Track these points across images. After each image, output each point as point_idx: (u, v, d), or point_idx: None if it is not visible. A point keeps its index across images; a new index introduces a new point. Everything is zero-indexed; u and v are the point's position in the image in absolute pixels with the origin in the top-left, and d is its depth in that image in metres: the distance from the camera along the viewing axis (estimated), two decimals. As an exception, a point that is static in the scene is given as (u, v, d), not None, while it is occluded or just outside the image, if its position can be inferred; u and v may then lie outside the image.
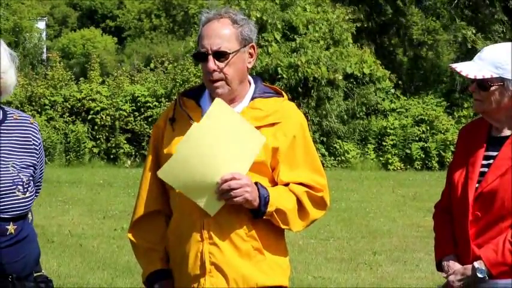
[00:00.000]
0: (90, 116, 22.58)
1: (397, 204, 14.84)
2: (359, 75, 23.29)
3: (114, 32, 44.94)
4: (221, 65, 3.45)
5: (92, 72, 23.53)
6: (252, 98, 3.55)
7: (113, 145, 22.51)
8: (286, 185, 3.51)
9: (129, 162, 22.41)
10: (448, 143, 22.92)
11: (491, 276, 3.66)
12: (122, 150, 22.47)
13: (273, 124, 3.50)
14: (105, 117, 22.48)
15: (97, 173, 19.47)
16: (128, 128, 22.57)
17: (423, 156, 23.30)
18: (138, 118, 22.60)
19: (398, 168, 23.10)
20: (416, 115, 23.83)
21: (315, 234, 11.28)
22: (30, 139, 3.84)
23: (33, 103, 22.57)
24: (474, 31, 26.28)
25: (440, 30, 27.55)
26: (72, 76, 23.99)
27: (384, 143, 23.39)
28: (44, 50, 41.02)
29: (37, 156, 3.85)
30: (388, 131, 23.47)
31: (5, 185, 3.68)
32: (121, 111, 22.55)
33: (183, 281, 3.51)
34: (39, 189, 4.00)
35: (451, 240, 3.82)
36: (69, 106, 22.67)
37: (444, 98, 24.96)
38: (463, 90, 24.36)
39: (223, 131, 3.39)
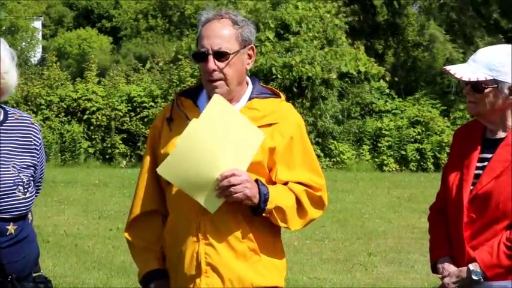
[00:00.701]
0: (85, 116, 22.54)
1: (392, 206, 14.84)
2: (354, 73, 23.29)
3: (110, 32, 44.90)
4: (221, 65, 3.46)
5: (88, 72, 23.51)
6: (250, 99, 3.56)
7: (109, 145, 22.48)
8: (285, 183, 3.51)
9: (124, 162, 22.38)
10: (443, 144, 22.92)
11: (486, 279, 3.67)
12: (117, 151, 22.44)
13: (270, 124, 3.51)
14: (101, 117, 22.45)
15: (92, 173, 19.44)
16: (123, 128, 22.54)
17: (418, 157, 23.30)
18: (134, 118, 22.57)
19: (394, 169, 23.10)
20: (412, 116, 23.84)
21: (310, 235, 11.29)
22: (31, 139, 3.85)
23: (29, 103, 22.53)
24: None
25: (435, 32, 27.59)
26: (68, 76, 23.97)
27: (379, 144, 23.39)
28: (40, 50, 40.99)
29: (37, 156, 3.86)
30: (384, 132, 23.47)
31: (6, 185, 3.69)
32: (117, 111, 22.52)
33: (178, 281, 3.52)
34: (40, 189, 4.00)
35: (446, 242, 3.83)
36: (65, 106, 22.63)
37: (440, 99, 24.98)
38: (459, 92, 24.39)
39: (222, 127, 3.39)
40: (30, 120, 3.91)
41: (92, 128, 22.52)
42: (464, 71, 3.73)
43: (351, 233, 11.92)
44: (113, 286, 8.49)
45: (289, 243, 10.46)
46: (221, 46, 3.45)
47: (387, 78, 24.41)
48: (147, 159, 3.66)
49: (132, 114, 22.62)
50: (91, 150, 22.42)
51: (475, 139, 3.82)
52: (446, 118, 24.34)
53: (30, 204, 3.78)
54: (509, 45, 3.83)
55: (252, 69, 22.07)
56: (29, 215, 3.87)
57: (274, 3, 23.67)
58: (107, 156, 22.49)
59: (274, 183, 3.51)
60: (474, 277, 3.66)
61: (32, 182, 3.79)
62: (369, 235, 11.78)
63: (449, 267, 3.77)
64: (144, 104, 22.62)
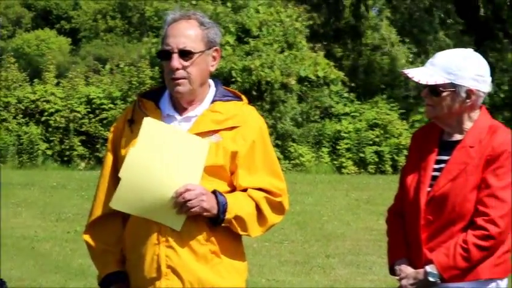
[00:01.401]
0: (44, 118, 22.36)
1: (350, 208, 14.92)
2: (313, 78, 23.39)
3: (69, 33, 44.53)
4: (185, 63, 3.46)
5: (46, 73, 23.31)
6: (212, 101, 3.56)
7: (67, 147, 22.31)
8: (245, 190, 3.51)
9: (83, 164, 22.22)
10: (401, 147, 23.10)
11: (442, 280, 3.70)
12: (76, 153, 22.28)
13: (232, 128, 3.51)
14: (59, 119, 22.28)
15: (50, 175, 19.27)
16: (82, 130, 22.39)
17: (377, 160, 23.45)
18: (93, 120, 22.43)
19: (353, 171, 23.22)
20: (370, 119, 23.99)
21: (269, 237, 11.30)
22: None
23: (-14, 104, 22.32)
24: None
25: (394, 36, 27.79)
26: (26, 77, 23.75)
27: (338, 147, 23.50)
28: (-3, 51, 40.52)
29: None
30: (342, 134, 23.59)
31: None
32: (75, 113, 22.37)
33: (138, 284, 3.51)
34: None
35: (403, 244, 3.85)
36: (23, 107, 22.43)
37: (398, 102, 25.16)
38: (417, 95, 24.59)
39: (163, 147, 3.37)
40: None
41: (50, 129, 22.33)
42: (423, 75, 3.76)
43: (309, 235, 11.95)
44: (70, 289, 8.44)
45: (248, 245, 10.40)
46: (186, 45, 3.46)
47: (346, 82, 24.53)
48: (108, 161, 3.63)
49: (91, 116, 22.48)
50: (49, 152, 22.23)
51: (432, 141, 3.85)
52: (404, 121, 24.53)
53: None
54: (468, 49, 3.87)
55: (212, 72, 22.04)
56: None
57: (235, 8, 23.68)
58: (65, 159, 22.31)
59: (235, 187, 3.51)
60: (431, 279, 3.69)
61: None
62: (327, 237, 11.82)
63: (406, 269, 3.79)
64: (104, 106, 22.49)
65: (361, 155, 23.39)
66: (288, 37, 23.60)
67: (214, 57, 3.56)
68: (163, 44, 3.50)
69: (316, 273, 9.53)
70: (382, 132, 23.70)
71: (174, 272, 3.44)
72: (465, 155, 3.73)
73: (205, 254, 3.46)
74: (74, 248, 10.24)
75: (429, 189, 3.76)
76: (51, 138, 22.31)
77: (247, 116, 3.56)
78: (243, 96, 3.66)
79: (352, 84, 25.15)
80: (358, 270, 9.68)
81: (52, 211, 13.57)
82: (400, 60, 27.21)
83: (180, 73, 3.46)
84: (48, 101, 22.43)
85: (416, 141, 3.95)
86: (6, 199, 14.30)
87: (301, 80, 23.14)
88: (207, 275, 3.46)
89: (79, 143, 22.31)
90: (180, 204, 3.35)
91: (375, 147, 23.53)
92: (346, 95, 24.64)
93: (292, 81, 22.45)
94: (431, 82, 3.73)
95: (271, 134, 22.05)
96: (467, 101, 3.75)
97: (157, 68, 22.40)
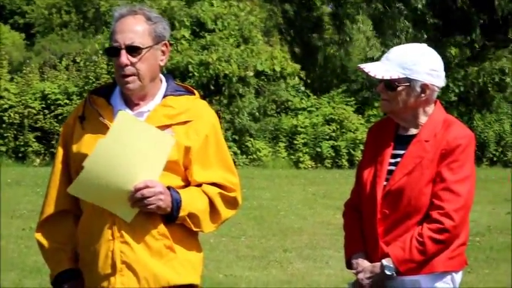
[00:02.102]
0: (-3, 114, 22.10)
1: (307, 202, 14.96)
2: (270, 72, 23.42)
3: (23, 28, 44.03)
4: (134, 59, 3.44)
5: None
6: (164, 96, 3.55)
7: (22, 143, 22.06)
8: (199, 185, 3.51)
9: (38, 160, 22.00)
10: (357, 141, 23.24)
11: (399, 273, 3.72)
12: (30, 149, 22.04)
13: (185, 122, 3.50)
14: (13, 115, 22.02)
15: (4, 172, 19.03)
16: (37, 126, 22.17)
17: (333, 154, 23.57)
18: (48, 116, 22.20)
19: (309, 166, 23.30)
20: (327, 114, 24.09)
21: (227, 232, 11.30)
22: None
23: None
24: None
25: (352, 30, 27.88)
26: (-21, 73, 23.43)
27: (295, 142, 23.56)
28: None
29: None
30: (299, 129, 23.65)
31: None
32: (30, 109, 22.12)
33: (93, 281, 3.48)
34: None
35: (360, 238, 3.87)
36: (-24, 104, 22.15)
37: (354, 97, 25.30)
38: (373, 90, 24.74)
39: (130, 140, 3.36)
40: None
41: (4, 126, 22.05)
42: (378, 69, 3.77)
43: (267, 230, 11.97)
44: (25, 287, 8.34)
45: (205, 241, 10.43)
46: (134, 41, 3.44)
47: (303, 76, 24.60)
48: (59, 158, 3.60)
49: (46, 112, 22.25)
50: (3, 148, 21.96)
51: (388, 136, 3.87)
52: (360, 116, 24.67)
53: None
54: (423, 44, 3.90)
55: (169, 67, 22.03)
56: None
57: (189, 1, 23.61)
58: (20, 155, 22.06)
59: (189, 181, 3.50)
60: (387, 272, 3.72)
61: None
62: (284, 232, 11.85)
63: (363, 263, 3.81)
64: (59, 102, 22.27)
65: (318, 149, 23.49)
66: (244, 31, 23.60)
67: (163, 52, 3.54)
68: (111, 41, 3.48)
69: (273, 267, 9.55)
70: (338, 127, 23.81)
71: (129, 267, 3.42)
72: (420, 149, 3.76)
73: (160, 249, 3.44)
74: (29, 245, 10.12)
75: (385, 183, 3.78)
76: (5, 135, 22.04)
77: (200, 111, 3.56)
78: (195, 91, 3.64)
79: (308, 79, 25.22)
80: (315, 265, 9.72)
81: (6, 208, 13.40)
82: (357, 55, 27.34)
83: (129, 69, 3.45)
84: (1, 97, 22.15)
85: (372, 135, 3.97)
86: (-41, 196, 14.11)
87: (258, 74, 23.16)
88: (162, 271, 3.45)
89: (34, 139, 22.07)
90: (137, 199, 3.34)
91: (331, 142, 23.64)
92: (302, 89, 24.71)
93: (251, 73, 22.46)
94: (386, 77, 3.75)
95: (228, 129, 22.04)
96: (422, 95, 3.77)
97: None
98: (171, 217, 3.43)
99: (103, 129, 3.46)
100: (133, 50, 3.44)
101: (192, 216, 3.46)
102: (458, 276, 3.83)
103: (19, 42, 42.26)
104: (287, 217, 13.19)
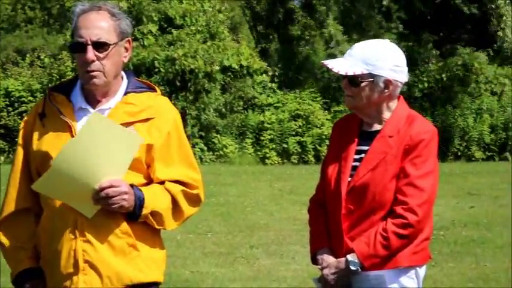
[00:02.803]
0: (-40, 111, 21.90)
1: (274, 198, 14.99)
2: (236, 67, 23.41)
3: (-14, 24, 43.62)
4: (100, 56, 3.42)
5: (-38, 66, 22.83)
6: (125, 93, 3.53)
7: (-15, 141, 21.90)
8: (162, 182, 3.50)
9: (2, 158, 21.83)
10: (323, 137, 23.31)
11: (363, 269, 3.73)
12: (-6, 146, 21.89)
13: (146, 120, 3.48)
14: (-23, 112, 21.85)
15: (-32, 170, 18.85)
16: (1, 123, 21.99)
17: (300, 150, 23.63)
18: (12, 113, 22.05)
19: (276, 162, 23.34)
20: (293, 110, 24.14)
21: (193, 229, 11.28)
22: None
23: None
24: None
25: (315, 26, 27.97)
26: None
27: (262, 138, 23.59)
28: None
29: None
30: (266, 125, 23.68)
31: None
32: (-7, 106, 21.96)
33: (55, 280, 3.45)
34: None
35: (325, 233, 3.88)
36: None
37: (320, 93, 25.37)
38: (338, 86, 24.82)
39: (100, 141, 3.35)
40: None
41: (-33, 123, 21.87)
42: (342, 65, 3.78)
43: (233, 226, 11.97)
44: (-13, 286, 8.27)
45: (172, 237, 10.42)
46: (101, 37, 3.42)
47: (270, 73, 24.62)
48: (19, 156, 3.57)
49: (10, 109, 22.08)
50: (-34, 146, 21.78)
51: (352, 132, 3.88)
52: (326, 111, 24.74)
53: None
54: (385, 40, 3.92)
55: (135, 62, 21.94)
56: None
57: (158, -4, 23.54)
58: (-17, 153, 21.89)
59: (152, 179, 3.49)
60: (352, 267, 3.73)
61: None
62: (251, 228, 11.86)
63: (328, 259, 3.82)
64: (23, 99, 22.12)
65: (284, 145, 23.54)
66: (211, 27, 23.57)
67: (126, 49, 3.54)
68: (75, 36, 3.45)
69: (240, 263, 9.56)
70: (304, 122, 23.88)
71: (92, 266, 3.40)
72: (384, 145, 3.77)
73: (123, 247, 3.42)
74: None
75: (350, 179, 3.79)
76: (-32, 132, 21.86)
77: (162, 107, 3.54)
78: (156, 87, 3.63)
79: (276, 74, 25.24)
80: (282, 260, 9.74)
81: (-30, 206, 13.28)
82: (322, 51, 27.39)
83: (96, 65, 3.43)
84: (-36, 94, 21.96)
85: (337, 131, 3.98)
86: None
87: (224, 69, 23.14)
88: (125, 269, 3.43)
89: (-2, 137, 21.90)
90: (101, 198, 3.32)
91: (297, 138, 23.70)
92: (269, 85, 24.74)
93: (216, 67, 22.42)
94: (350, 73, 3.76)
95: (195, 125, 22.00)
96: (386, 91, 3.79)
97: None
98: (133, 215, 3.41)
99: (63, 126, 3.44)
100: (100, 46, 3.42)
101: (154, 214, 3.45)
102: (422, 271, 3.86)
103: (-18, 38, 41.80)
104: (254, 213, 13.20)
